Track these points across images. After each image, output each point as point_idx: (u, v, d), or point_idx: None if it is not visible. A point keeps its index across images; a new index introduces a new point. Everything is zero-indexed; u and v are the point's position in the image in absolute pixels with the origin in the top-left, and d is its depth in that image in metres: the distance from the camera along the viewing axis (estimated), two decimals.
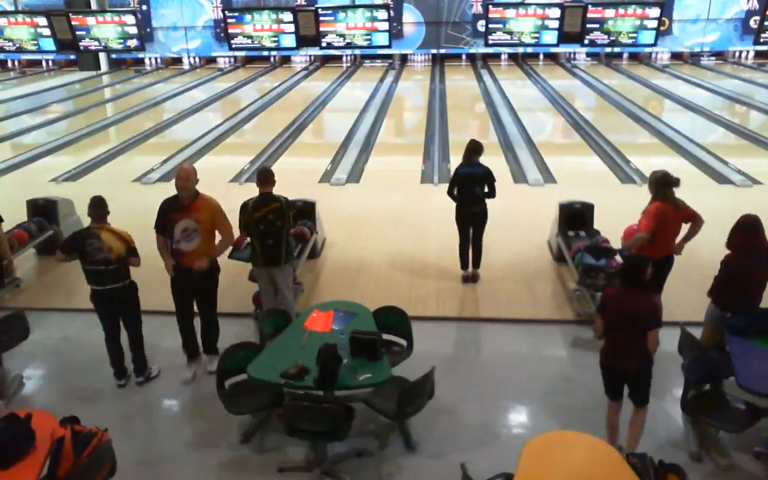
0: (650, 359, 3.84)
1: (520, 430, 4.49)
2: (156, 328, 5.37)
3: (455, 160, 7.04)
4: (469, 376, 5.09)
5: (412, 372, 4.24)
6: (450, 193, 6.39)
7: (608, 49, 21.30)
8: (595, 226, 6.85)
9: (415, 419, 4.27)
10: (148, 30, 22.84)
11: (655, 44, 12.39)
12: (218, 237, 5.01)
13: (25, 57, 23.54)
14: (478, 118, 15.75)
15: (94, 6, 21.39)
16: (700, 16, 22.21)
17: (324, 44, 12.07)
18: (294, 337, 4.44)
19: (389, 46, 12.67)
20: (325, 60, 24.09)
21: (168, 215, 4.85)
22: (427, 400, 4.19)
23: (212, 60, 24.54)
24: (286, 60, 24.38)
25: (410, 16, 23.14)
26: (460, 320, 6.02)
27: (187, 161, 8.94)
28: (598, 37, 11.75)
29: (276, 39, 12.14)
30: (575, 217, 6.89)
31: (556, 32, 11.58)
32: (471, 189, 6.26)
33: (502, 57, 23.69)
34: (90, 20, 13.05)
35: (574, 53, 23.35)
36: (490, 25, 12.04)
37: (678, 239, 5.06)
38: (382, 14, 12.00)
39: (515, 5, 11.93)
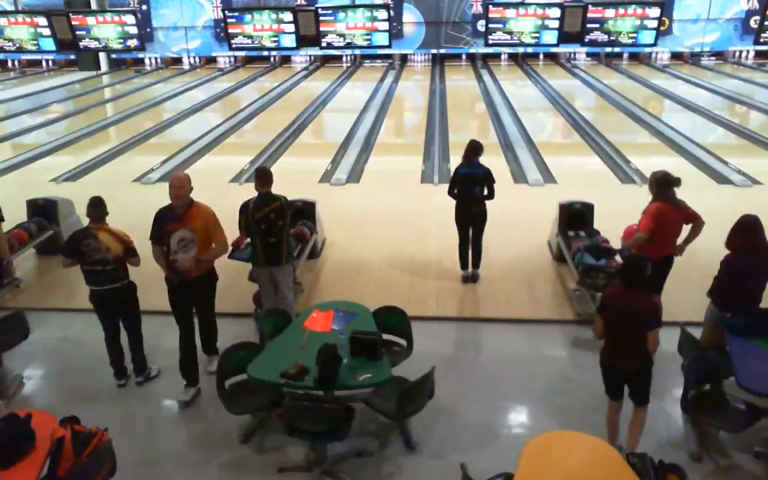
0: (650, 359, 3.85)
1: (520, 430, 4.49)
2: (156, 328, 5.37)
3: (455, 160, 7.04)
4: (469, 376, 5.09)
5: (412, 372, 4.24)
6: (451, 193, 6.39)
7: (608, 49, 21.30)
8: (595, 226, 6.85)
9: (415, 419, 4.27)
10: (148, 30, 22.84)
11: (655, 44, 12.37)
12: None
13: (25, 57, 23.55)
14: (478, 118, 15.75)
15: (94, 6, 21.39)
16: (700, 16, 22.20)
17: (324, 44, 12.05)
18: (294, 337, 4.44)
19: (389, 46, 12.66)
20: (325, 60, 24.09)
21: (164, 226, 4.67)
22: (427, 400, 4.19)
23: (212, 60, 24.55)
24: (286, 60, 24.38)
25: (410, 16, 23.14)
26: (460, 320, 6.02)
27: (182, 165, 8.89)
28: (598, 37, 11.74)
29: (276, 39, 12.12)
30: (575, 217, 6.89)
31: (556, 32, 11.56)
32: (471, 189, 6.26)
33: (502, 57, 23.69)
34: (90, 20, 13.03)
35: (574, 53, 23.35)
36: (490, 25, 12.03)
37: (679, 240, 5.06)
38: (382, 14, 11.98)
39: (515, 5, 11.91)
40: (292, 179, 8.14)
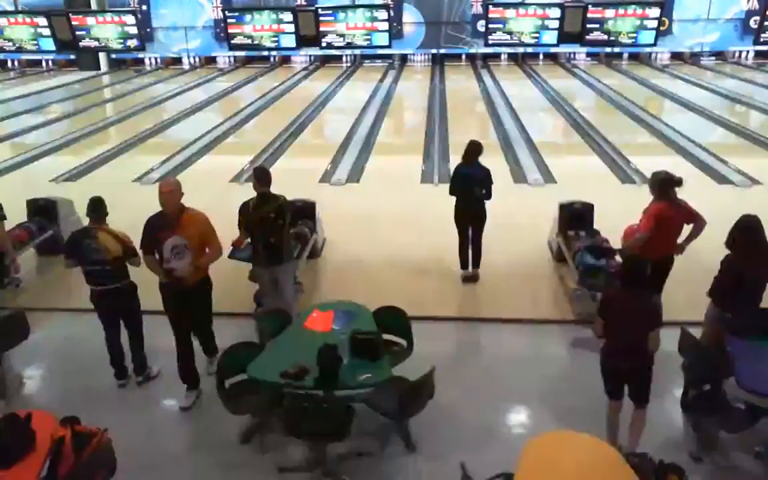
0: (650, 359, 3.85)
1: (520, 430, 4.49)
2: (156, 328, 5.33)
3: (455, 160, 7.03)
4: (469, 376, 5.09)
5: (412, 372, 4.23)
6: (452, 193, 6.39)
7: (608, 49, 21.30)
8: (595, 226, 6.85)
9: (415, 419, 4.27)
10: (148, 30, 22.81)
11: (655, 44, 12.38)
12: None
13: (25, 57, 23.45)
14: (478, 118, 15.74)
15: (94, 6, 21.37)
16: (700, 16, 22.21)
17: (324, 44, 12.05)
18: (294, 337, 4.44)
19: (389, 46, 12.68)
20: (325, 60, 24.06)
21: (155, 234, 4.56)
22: (427, 400, 4.19)
23: (212, 60, 24.52)
24: (286, 60, 24.36)
25: (410, 16, 23.13)
26: (460, 320, 6.03)
27: (182, 165, 8.85)
28: (598, 37, 11.74)
29: (276, 39, 12.12)
30: (575, 217, 6.88)
31: (556, 32, 11.57)
32: (470, 189, 6.26)
33: (502, 57, 23.68)
34: (90, 20, 13.03)
35: (574, 53, 23.33)
36: (490, 25, 12.04)
37: (680, 240, 5.05)
38: (382, 14, 11.99)
39: (515, 5, 11.92)
40: (292, 179, 8.13)
